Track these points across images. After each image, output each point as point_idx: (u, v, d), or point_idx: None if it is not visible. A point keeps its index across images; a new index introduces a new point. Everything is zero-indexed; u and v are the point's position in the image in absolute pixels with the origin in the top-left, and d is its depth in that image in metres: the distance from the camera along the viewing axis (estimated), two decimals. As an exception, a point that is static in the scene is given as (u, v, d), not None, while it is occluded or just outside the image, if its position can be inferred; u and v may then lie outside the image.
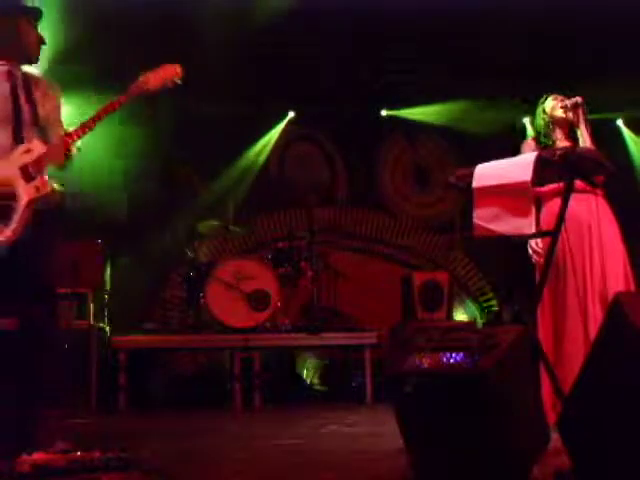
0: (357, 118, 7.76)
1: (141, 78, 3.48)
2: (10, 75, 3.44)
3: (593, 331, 3.48)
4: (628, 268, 3.81)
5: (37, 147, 3.37)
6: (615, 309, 2.41)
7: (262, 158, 7.74)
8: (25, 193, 3.28)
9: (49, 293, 3.44)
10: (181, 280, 6.28)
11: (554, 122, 3.95)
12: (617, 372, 2.33)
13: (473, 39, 6.41)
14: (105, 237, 6.16)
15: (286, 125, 7.79)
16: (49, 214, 3.38)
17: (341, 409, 5.16)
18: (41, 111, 3.48)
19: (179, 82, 3.53)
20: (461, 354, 2.52)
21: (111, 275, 6.19)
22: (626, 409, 2.27)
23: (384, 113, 7.85)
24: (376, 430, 4.23)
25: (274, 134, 7.78)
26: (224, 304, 5.73)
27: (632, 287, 3.78)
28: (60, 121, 3.62)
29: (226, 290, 5.75)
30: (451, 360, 2.53)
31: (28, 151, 3.34)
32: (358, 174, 7.99)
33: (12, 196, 3.25)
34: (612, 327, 2.41)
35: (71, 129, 3.45)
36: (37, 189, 3.29)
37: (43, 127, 3.50)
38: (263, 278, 5.84)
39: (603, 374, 2.39)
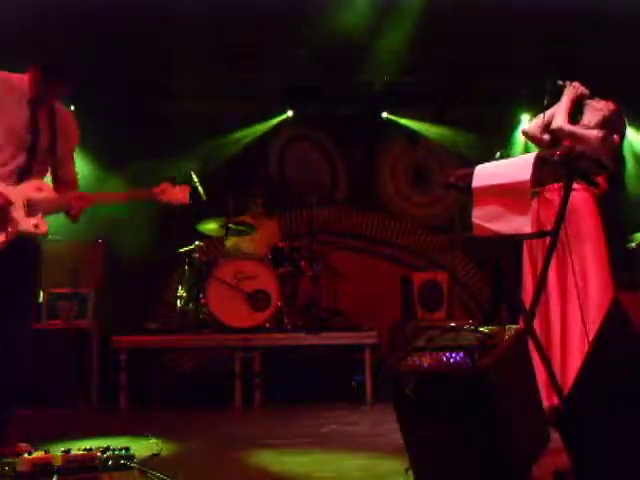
0: (357, 118, 7.77)
1: (161, 187, 3.62)
2: (33, 101, 3.42)
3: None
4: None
5: (47, 190, 3.45)
6: (615, 309, 2.41)
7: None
8: (23, 223, 3.33)
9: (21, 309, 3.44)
10: (181, 280, 6.26)
11: None
12: (617, 371, 2.33)
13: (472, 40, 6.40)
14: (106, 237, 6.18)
15: (286, 124, 7.78)
16: (31, 249, 3.44)
17: (341, 409, 5.16)
18: (60, 143, 3.51)
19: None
20: (461, 354, 2.52)
21: (111, 275, 6.19)
22: (626, 408, 2.27)
23: (385, 115, 7.84)
24: (376, 430, 4.24)
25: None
26: (224, 304, 5.74)
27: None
28: (73, 158, 3.67)
29: (226, 290, 5.75)
30: (451, 360, 2.53)
31: (39, 189, 3.41)
32: (358, 174, 7.98)
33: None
34: (612, 327, 2.41)
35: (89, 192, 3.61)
36: (36, 227, 3.37)
37: (60, 160, 3.55)
38: (263, 278, 5.84)
39: (603, 373, 2.39)
